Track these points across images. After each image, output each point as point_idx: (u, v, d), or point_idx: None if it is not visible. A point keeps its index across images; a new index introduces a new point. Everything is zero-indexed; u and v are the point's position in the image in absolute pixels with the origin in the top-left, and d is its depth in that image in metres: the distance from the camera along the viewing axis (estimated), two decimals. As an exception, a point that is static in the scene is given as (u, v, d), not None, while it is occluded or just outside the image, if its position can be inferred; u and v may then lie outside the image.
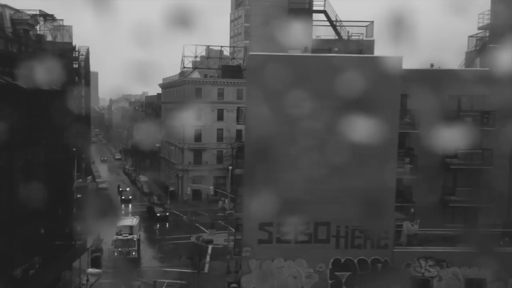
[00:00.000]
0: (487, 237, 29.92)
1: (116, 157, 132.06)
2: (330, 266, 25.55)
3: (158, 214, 62.19)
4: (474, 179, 33.74)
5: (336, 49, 28.90)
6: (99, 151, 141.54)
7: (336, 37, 32.04)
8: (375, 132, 24.95)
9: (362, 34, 30.50)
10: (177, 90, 79.04)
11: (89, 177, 70.27)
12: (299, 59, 25.63)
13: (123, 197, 73.60)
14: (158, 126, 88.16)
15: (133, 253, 44.14)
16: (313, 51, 30.76)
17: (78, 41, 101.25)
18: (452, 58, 47.01)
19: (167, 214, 63.24)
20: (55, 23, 39.76)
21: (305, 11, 30.20)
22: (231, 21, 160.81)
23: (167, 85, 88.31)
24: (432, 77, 32.79)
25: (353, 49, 29.82)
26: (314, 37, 32.49)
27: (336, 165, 24.91)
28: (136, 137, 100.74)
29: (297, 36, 30.02)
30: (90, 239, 40.84)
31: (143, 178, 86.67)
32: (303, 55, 25.63)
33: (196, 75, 76.31)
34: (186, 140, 73.89)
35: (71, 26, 47.50)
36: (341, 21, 30.69)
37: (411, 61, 31.30)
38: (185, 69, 76.37)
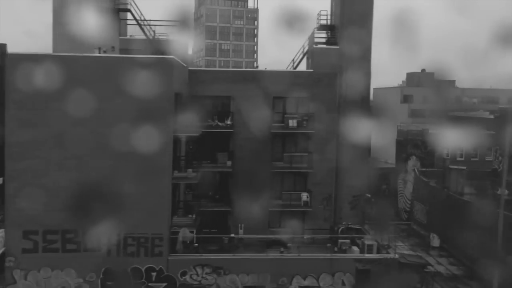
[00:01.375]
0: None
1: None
2: (101, 276, 24.53)
3: None
4: (301, 182, 33.22)
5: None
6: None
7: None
8: (146, 137, 24.08)
9: (167, 34, 29.59)
10: None
11: None
12: (66, 59, 24.50)
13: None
14: None
15: None
16: (121, 51, 29.81)
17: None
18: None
19: None
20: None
21: (111, 10, 29.15)
22: (195, 20, 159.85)
23: None
24: (256, 78, 32.15)
25: (158, 49, 28.94)
26: (129, 36, 31.57)
27: (105, 172, 23.97)
28: None
29: (103, 35, 29.04)
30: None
31: None
32: (66, 55, 24.55)
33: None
34: None
35: None
36: (148, 20, 29.74)
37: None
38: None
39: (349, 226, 32.26)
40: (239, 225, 31.63)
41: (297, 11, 57.36)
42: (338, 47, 32.35)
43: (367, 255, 26.18)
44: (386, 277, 24.03)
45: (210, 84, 31.11)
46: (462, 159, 41.86)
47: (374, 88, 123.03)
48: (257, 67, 27.93)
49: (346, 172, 33.04)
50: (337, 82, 31.94)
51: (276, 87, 31.97)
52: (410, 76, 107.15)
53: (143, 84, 23.73)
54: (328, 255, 26.30)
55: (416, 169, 44.94)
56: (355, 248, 27.93)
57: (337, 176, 32.85)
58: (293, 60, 32.88)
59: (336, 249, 28.64)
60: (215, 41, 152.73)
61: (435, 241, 33.24)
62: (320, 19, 33.73)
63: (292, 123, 31.77)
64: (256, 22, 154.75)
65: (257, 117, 31.63)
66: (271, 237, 30.28)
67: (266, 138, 31.47)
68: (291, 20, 57.19)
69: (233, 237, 30.62)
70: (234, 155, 31.58)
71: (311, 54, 33.02)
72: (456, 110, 70.74)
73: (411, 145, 57.32)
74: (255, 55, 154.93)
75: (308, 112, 31.79)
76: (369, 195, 53.27)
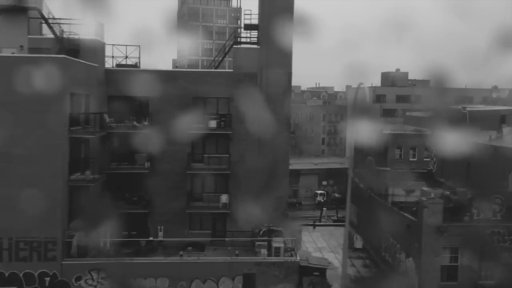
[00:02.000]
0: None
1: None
2: (-8, 281, 23.95)
3: None
4: (223, 184, 32.71)
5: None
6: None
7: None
8: (36, 139, 23.53)
9: (78, 33, 28.94)
10: None
11: None
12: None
13: None
14: None
15: None
16: (31, 50, 29.16)
17: None
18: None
19: None
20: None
21: (18, 9, 28.50)
22: (178, 19, 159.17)
23: None
24: (175, 78, 31.64)
25: (67, 48, 28.34)
26: (43, 35, 30.93)
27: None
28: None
29: (9, 34, 28.44)
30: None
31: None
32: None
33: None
34: None
35: None
36: (57, 18, 29.10)
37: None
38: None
39: (270, 228, 31.82)
40: (159, 227, 31.17)
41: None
42: (259, 46, 31.86)
43: (267, 258, 25.72)
44: (271, 280, 23.65)
45: (128, 84, 30.53)
46: (402, 159, 41.63)
47: (347, 87, 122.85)
48: (177, 67, 27.40)
49: (268, 173, 32.61)
50: (257, 82, 31.47)
51: (196, 87, 31.56)
52: (385, 75, 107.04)
53: (33, 83, 23.16)
54: (228, 259, 25.78)
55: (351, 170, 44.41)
56: (263, 251, 27.45)
57: (260, 177, 32.38)
58: (213, 59, 32.33)
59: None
60: (198, 41, 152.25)
61: (358, 243, 32.85)
62: (245, 18, 33.23)
63: (212, 124, 31.29)
64: (239, 21, 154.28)
65: (176, 118, 31.18)
66: (188, 240, 29.80)
67: (184, 139, 30.96)
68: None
69: (151, 240, 30.19)
70: (153, 157, 31.07)
71: (233, 54, 32.49)
72: (414, 110, 70.57)
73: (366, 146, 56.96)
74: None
75: (228, 113, 31.33)
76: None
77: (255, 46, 32.13)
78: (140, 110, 31.12)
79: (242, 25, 33.54)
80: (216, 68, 32.68)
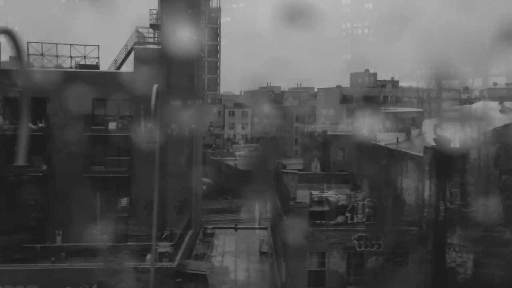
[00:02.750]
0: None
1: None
2: None
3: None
4: (124, 187, 32.19)
5: None
6: None
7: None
8: None
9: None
10: None
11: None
12: None
13: None
14: None
15: None
16: None
17: None
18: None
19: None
20: None
21: None
22: (157, 20, 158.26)
23: None
24: (75, 79, 31.13)
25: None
26: None
27: None
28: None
29: None
30: None
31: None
32: None
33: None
34: None
35: None
36: None
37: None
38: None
39: (173, 231, 31.38)
40: (57, 232, 30.66)
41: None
42: (160, 46, 31.43)
43: (141, 264, 25.29)
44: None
45: (24, 85, 29.93)
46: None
47: (318, 88, 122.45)
48: (76, 66, 26.79)
49: (171, 177, 32.19)
50: (159, 82, 30.93)
51: (96, 88, 31.06)
52: (354, 76, 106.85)
53: None
54: (101, 265, 25.29)
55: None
56: (148, 256, 26.97)
57: (162, 181, 31.91)
58: (115, 59, 31.87)
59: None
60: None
61: (264, 246, 32.43)
62: (150, 18, 32.78)
63: (111, 125, 30.83)
64: (218, 21, 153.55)
65: (75, 119, 30.73)
66: (81, 245, 29.24)
67: (83, 141, 30.49)
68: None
69: (48, 246, 29.64)
70: (51, 159, 30.56)
71: (133, 54, 32.00)
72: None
73: (314, 147, 56.70)
74: (218, 54, 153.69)
75: (129, 115, 30.88)
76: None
77: (156, 46, 31.68)
78: (36, 111, 30.57)
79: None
80: (118, 69, 32.18)
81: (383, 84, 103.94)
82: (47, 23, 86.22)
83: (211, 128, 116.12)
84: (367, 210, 22.90)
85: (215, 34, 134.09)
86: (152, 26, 32.68)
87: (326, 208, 23.81)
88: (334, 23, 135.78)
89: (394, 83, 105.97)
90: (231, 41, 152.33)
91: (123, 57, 31.96)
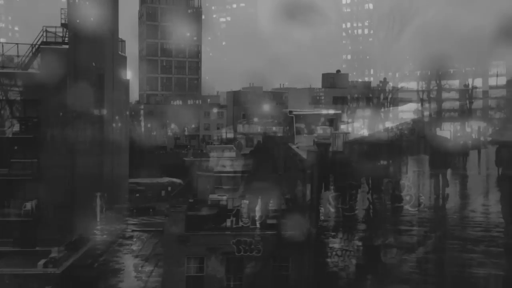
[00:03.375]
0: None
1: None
2: None
3: None
4: (32, 190, 31.37)
5: None
6: None
7: None
8: None
9: None
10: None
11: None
12: None
13: None
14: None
15: None
16: None
17: None
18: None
19: None
20: None
21: None
22: (139, 18, 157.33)
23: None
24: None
25: None
26: None
27: None
28: None
29: None
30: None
31: None
32: None
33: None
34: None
35: None
36: None
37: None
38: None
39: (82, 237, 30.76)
40: None
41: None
42: (67, 46, 30.69)
43: (26, 270, 24.60)
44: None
45: None
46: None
47: (289, 89, 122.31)
48: None
49: (83, 179, 31.53)
50: (66, 84, 30.28)
51: (1, 88, 30.31)
52: (325, 76, 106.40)
53: None
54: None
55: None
56: (40, 262, 26.31)
57: (75, 183, 31.24)
58: (22, 59, 31.08)
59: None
60: (156, 41, 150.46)
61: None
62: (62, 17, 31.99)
63: (16, 127, 30.09)
64: (200, 21, 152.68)
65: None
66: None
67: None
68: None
69: None
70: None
71: (41, 54, 31.19)
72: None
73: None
74: (199, 54, 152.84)
75: (35, 116, 30.13)
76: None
77: (64, 46, 30.92)
78: None
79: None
80: (25, 69, 31.36)
81: (354, 85, 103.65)
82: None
83: (185, 128, 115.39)
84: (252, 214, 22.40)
85: (198, 34, 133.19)
86: (63, 25, 31.88)
87: (213, 211, 23.27)
88: (334, 23, 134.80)
89: (366, 84, 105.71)
90: (231, 41, 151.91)
91: (30, 57, 31.13)
